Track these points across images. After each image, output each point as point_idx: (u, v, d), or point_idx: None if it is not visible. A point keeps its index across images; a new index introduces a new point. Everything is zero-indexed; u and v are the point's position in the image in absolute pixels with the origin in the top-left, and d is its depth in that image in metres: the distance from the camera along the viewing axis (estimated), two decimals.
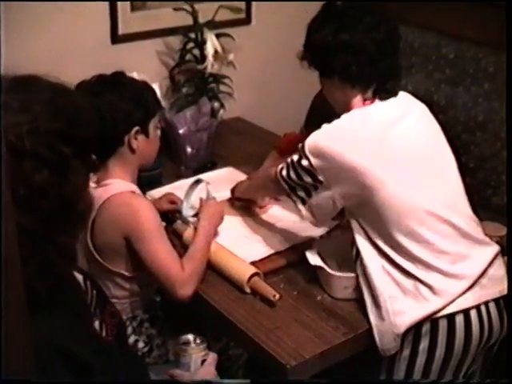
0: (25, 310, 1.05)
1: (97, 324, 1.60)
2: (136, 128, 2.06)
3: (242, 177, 2.64)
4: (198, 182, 2.36)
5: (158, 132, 2.16)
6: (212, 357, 1.79)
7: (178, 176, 2.67)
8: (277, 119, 3.14)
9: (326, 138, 1.88)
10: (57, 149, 1.24)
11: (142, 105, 2.08)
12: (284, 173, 1.97)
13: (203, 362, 1.78)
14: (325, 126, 1.90)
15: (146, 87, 2.17)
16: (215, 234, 2.22)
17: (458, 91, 3.02)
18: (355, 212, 1.92)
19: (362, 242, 1.92)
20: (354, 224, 1.93)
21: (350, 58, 1.88)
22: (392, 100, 1.94)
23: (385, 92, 1.93)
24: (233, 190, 2.45)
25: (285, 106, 3.28)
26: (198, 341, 1.83)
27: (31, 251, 1.21)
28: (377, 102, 1.92)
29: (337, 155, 1.84)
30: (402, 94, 1.99)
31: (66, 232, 1.32)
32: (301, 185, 1.94)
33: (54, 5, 2.56)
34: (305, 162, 1.89)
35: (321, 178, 1.88)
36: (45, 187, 1.22)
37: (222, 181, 2.63)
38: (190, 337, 1.85)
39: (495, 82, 2.88)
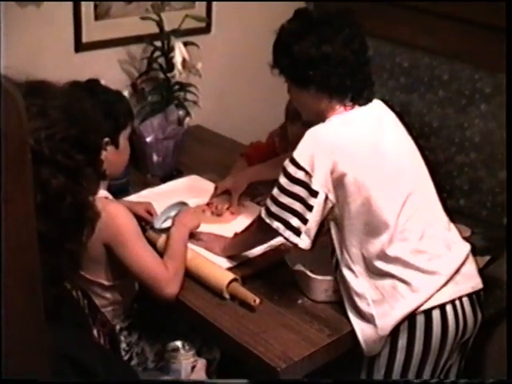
0: (43, 319, 1.05)
1: (95, 333, 1.61)
2: (106, 139, 2.05)
3: (207, 184, 2.66)
4: (181, 203, 2.38)
5: (128, 145, 2.17)
6: (201, 362, 1.82)
7: (145, 184, 2.67)
8: (236, 127, 3.18)
9: (314, 145, 1.90)
10: (72, 155, 1.24)
11: (112, 117, 2.08)
12: (273, 209, 1.93)
13: (193, 367, 1.80)
14: (309, 134, 1.91)
15: (118, 98, 2.17)
16: (190, 237, 2.22)
17: (412, 98, 3.12)
18: (337, 217, 1.95)
19: (341, 250, 1.96)
20: (334, 231, 1.96)
21: (331, 70, 1.90)
22: (369, 106, 1.99)
23: (363, 99, 1.98)
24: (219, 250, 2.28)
25: (243, 114, 3.32)
26: (187, 347, 1.85)
27: (43, 258, 1.21)
28: (356, 108, 1.97)
29: (328, 160, 1.86)
30: (376, 101, 2.05)
31: (75, 239, 1.32)
32: (294, 211, 1.90)
33: (23, 10, 2.54)
34: (300, 174, 1.88)
35: (315, 187, 1.87)
36: (61, 193, 1.22)
37: (187, 189, 2.66)
38: (179, 343, 1.88)
39: (449, 90, 2.99)
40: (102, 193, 2.06)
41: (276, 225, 1.93)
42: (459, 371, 2.07)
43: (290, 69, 1.98)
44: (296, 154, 1.90)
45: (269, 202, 1.95)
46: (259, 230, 2.07)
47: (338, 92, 1.94)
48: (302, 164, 1.88)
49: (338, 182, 1.88)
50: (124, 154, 2.19)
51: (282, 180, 1.92)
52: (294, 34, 1.95)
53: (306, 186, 1.88)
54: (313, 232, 1.91)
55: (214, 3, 3.09)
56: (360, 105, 1.97)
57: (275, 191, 1.93)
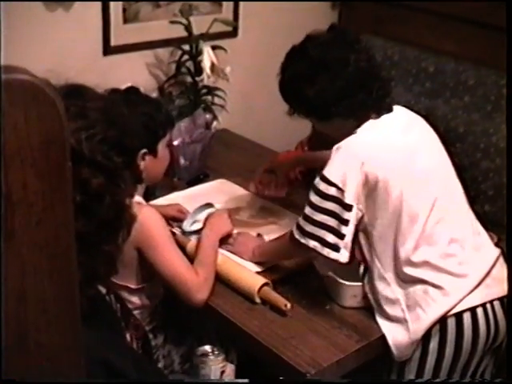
0: (80, 324, 1.06)
1: (128, 337, 1.61)
2: (143, 151, 2.05)
3: (235, 188, 2.67)
4: (208, 205, 2.38)
5: (168, 149, 2.18)
6: (230, 367, 1.82)
7: (172, 187, 2.68)
8: (263, 131, 3.19)
9: (343, 160, 1.90)
10: (110, 157, 1.25)
11: (150, 129, 2.08)
12: (307, 228, 1.93)
13: (222, 372, 1.80)
14: (337, 150, 1.91)
15: (157, 108, 2.16)
16: (221, 242, 2.22)
17: (437, 103, 3.11)
18: (367, 227, 1.95)
19: (371, 259, 1.97)
20: (364, 241, 1.97)
21: (352, 100, 1.92)
22: (393, 113, 2.01)
23: (384, 109, 1.99)
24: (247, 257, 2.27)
25: (270, 118, 3.32)
26: (216, 352, 1.85)
27: (81, 260, 1.22)
28: (380, 117, 1.98)
29: (359, 173, 1.87)
30: (398, 108, 2.05)
31: (112, 241, 1.33)
32: (329, 228, 1.90)
33: (52, 13, 2.56)
34: (332, 190, 1.88)
35: (348, 201, 1.87)
36: (101, 192, 1.23)
37: (214, 192, 2.66)
38: (208, 348, 1.88)
39: (475, 95, 2.98)
40: (136, 198, 2.08)
41: (313, 244, 1.93)
42: (492, 376, 2.07)
43: (308, 111, 2.01)
44: (326, 172, 1.90)
45: (302, 222, 1.95)
46: (292, 247, 2.04)
47: (363, 115, 1.96)
48: (334, 180, 1.88)
49: (370, 191, 1.88)
50: (163, 161, 2.20)
51: (314, 198, 1.92)
52: (302, 78, 1.95)
53: (338, 201, 1.88)
54: (350, 245, 1.91)
55: (241, 7, 3.10)
56: (383, 114, 1.99)
57: (307, 210, 1.93)
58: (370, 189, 1.88)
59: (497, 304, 1.98)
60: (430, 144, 2.05)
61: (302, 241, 1.95)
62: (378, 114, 1.97)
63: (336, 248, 1.91)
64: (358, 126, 1.96)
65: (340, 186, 1.87)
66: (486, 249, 2.04)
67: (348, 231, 1.89)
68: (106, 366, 1.32)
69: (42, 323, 0.98)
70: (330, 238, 1.90)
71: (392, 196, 1.88)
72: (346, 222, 1.89)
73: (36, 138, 0.89)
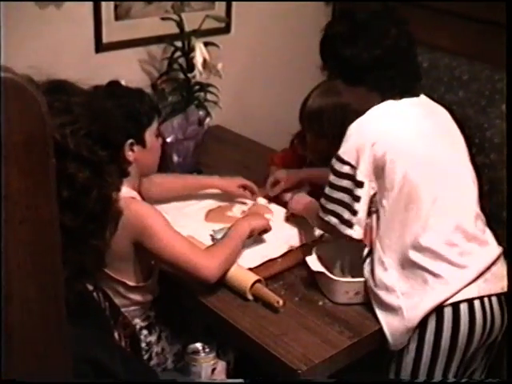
0: (65, 323, 1.06)
1: (116, 335, 1.61)
2: (130, 141, 2.06)
3: None
4: None
5: (160, 140, 2.17)
6: (222, 365, 1.81)
7: None
8: (256, 127, 3.18)
9: (356, 139, 1.95)
10: (95, 151, 1.25)
11: (134, 118, 2.08)
12: (328, 206, 2.02)
13: (213, 370, 1.80)
14: (352, 128, 1.97)
15: (139, 98, 2.16)
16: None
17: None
18: (378, 206, 1.99)
19: (373, 242, 1.99)
20: (374, 221, 2.00)
21: (383, 72, 1.97)
22: (414, 98, 2.03)
23: (410, 94, 2.02)
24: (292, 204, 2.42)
25: (263, 114, 3.32)
26: (207, 349, 1.85)
27: (68, 255, 1.21)
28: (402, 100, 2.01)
29: (370, 151, 1.92)
30: (424, 96, 2.09)
31: (100, 235, 1.32)
32: (345, 204, 1.98)
33: (43, 11, 2.56)
34: (345, 168, 1.95)
35: (360, 178, 1.93)
36: (87, 187, 1.22)
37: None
38: (199, 346, 1.88)
39: (469, 90, 2.97)
40: (129, 192, 2.07)
41: (333, 221, 2.01)
42: (483, 375, 2.07)
43: (340, 71, 2.05)
44: (341, 152, 1.97)
45: (323, 201, 2.04)
46: (319, 223, 2.14)
47: (389, 91, 2.00)
48: (347, 159, 1.95)
49: (379, 171, 1.93)
50: (153, 152, 2.19)
51: (331, 177, 2.00)
52: (343, 38, 2.00)
53: (351, 178, 1.95)
54: (363, 221, 1.98)
55: (234, 3, 3.09)
56: (406, 97, 2.01)
57: (327, 189, 2.02)
58: (379, 168, 1.92)
59: (494, 300, 1.98)
60: (447, 135, 2.08)
61: (326, 218, 2.04)
62: (401, 96, 2.00)
63: (350, 224, 1.98)
64: (382, 101, 2.00)
65: (353, 163, 1.94)
66: (489, 245, 2.04)
67: (360, 207, 1.96)
68: (93, 365, 1.31)
69: (26, 322, 0.97)
70: (346, 214, 1.98)
71: (399, 177, 1.92)
72: (358, 199, 1.95)
73: (18, 136, 0.89)
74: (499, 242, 2.08)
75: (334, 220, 2.01)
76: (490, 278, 1.97)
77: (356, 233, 1.99)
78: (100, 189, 1.25)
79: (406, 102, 2.01)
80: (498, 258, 2.01)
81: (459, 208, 1.99)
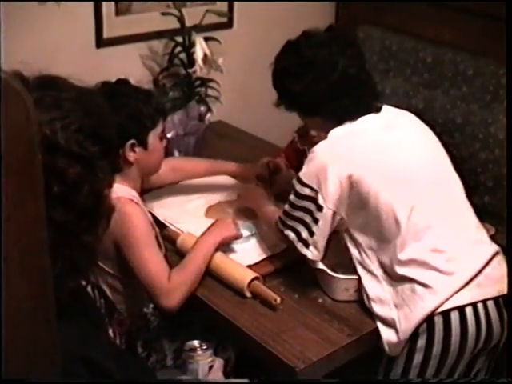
0: (55, 321, 1.05)
1: (111, 333, 1.60)
2: (131, 141, 2.04)
3: (229, 180, 2.65)
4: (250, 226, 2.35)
5: (164, 142, 2.15)
6: (219, 362, 1.80)
7: None
8: (257, 122, 3.16)
9: (318, 163, 1.93)
10: (86, 147, 1.24)
11: (136, 118, 2.06)
12: (288, 222, 2.01)
13: (211, 367, 1.79)
14: (312, 153, 1.96)
15: (145, 99, 2.12)
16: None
17: (435, 94, 3.08)
18: (350, 228, 1.97)
19: (360, 256, 1.97)
20: (350, 243, 1.99)
21: (337, 102, 1.95)
22: (372, 114, 2.01)
23: (368, 112, 1.99)
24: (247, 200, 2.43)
25: (265, 109, 3.29)
26: (205, 347, 1.84)
27: (60, 251, 1.20)
28: (361, 118, 1.99)
29: (334, 174, 1.89)
30: (386, 107, 2.06)
31: (92, 232, 1.31)
32: (305, 224, 1.96)
33: (44, 7, 2.55)
34: (306, 190, 1.94)
35: (320, 202, 1.91)
36: (78, 181, 1.21)
37: (210, 185, 2.63)
38: (196, 343, 1.87)
39: (474, 86, 2.95)
40: (129, 192, 2.06)
41: (292, 236, 2.00)
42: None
43: (292, 105, 2.05)
44: (302, 174, 1.97)
45: (283, 216, 2.03)
46: (277, 234, 2.11)
47: (345, 117, 1.98)
48: (307, 182, 1.94)
49: (346, 192, 1.90)
50: (155, 154, 2.16)
51: (292, 197, 1.99)
52: (291, 74, 1.99)
53: (313, 199, 1.93)
54: (320, 244, 1.97)
55: None
56: (361, 116, 1.99)
57: (287, 207, 2.01)
58: (345, 189, 1.90)
59: (490, 304, 1.92)
60: (417, 139, 2.04)
61: (285, 232, 2.02)
62: (358, 117, 1.98)
63: (307, 244, 1.97)
64: (339, 125, 1.98)
65: (314, 187, 1.92)
66: (482, 246, 1.99)
67: (317, 230, 1.95)
68: (85, 362, 1.30)
69: (14, 320, 0.96)
70: (304, 233, 1.97)
71: (369, 194, 1.89)
72: (316, 221, 1.94)
73: (2, 132, 0.87)
74: (495, 241, 2.05)
75: (292, 235, 2.00)
76: (484, 281, 1.92)
77: (311, 254, 1.98)
78: (91, 184, 1.24)
79: (364, 120, 1.98)
80: (492, 259, 1.96)
81: (443, 210, 1.95)
